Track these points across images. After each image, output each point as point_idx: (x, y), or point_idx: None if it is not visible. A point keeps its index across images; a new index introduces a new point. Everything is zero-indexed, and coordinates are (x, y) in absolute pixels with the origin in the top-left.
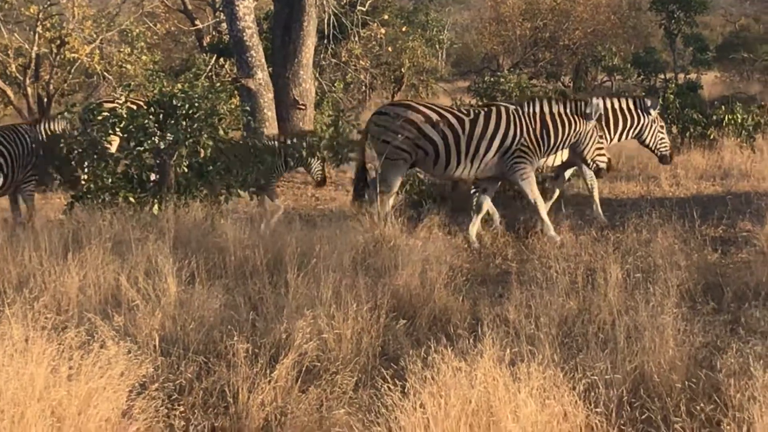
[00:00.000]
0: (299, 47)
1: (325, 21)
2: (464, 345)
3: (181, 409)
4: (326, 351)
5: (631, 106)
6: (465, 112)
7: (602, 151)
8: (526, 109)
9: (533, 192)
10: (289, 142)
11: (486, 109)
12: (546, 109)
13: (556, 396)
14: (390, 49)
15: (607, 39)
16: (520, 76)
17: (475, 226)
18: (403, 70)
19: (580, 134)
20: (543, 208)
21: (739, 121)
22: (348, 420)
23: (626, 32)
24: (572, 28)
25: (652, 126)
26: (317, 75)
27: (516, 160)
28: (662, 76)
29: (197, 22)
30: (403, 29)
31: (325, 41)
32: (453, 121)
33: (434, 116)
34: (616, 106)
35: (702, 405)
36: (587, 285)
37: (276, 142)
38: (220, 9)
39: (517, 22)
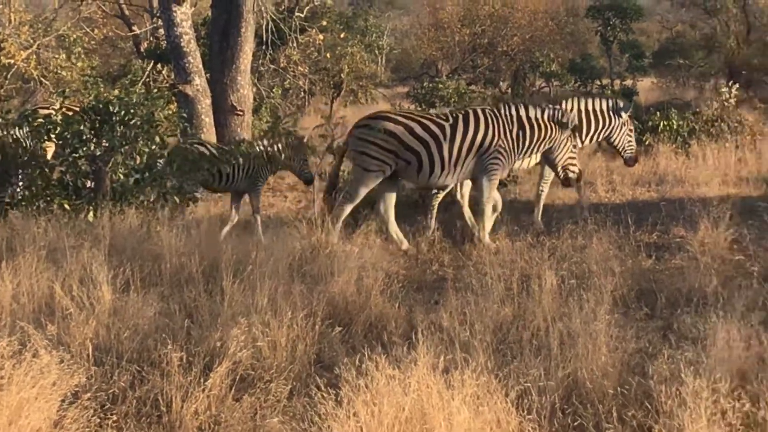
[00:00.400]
0: (237, 53)
1: (264, 27)
2: (399, 352)
3: (114, 418)
4: (261, 359)
5: (604, 108)
6: (444, 117)
7: (574, 161)
8: (502, 111)
9: (490, 196)
10: (272, 145)
11: (463, 112)
12: (522, 112)
13: (489, 403)
14: (329, 55)
15: (544, 45)
16: (459, 82)
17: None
18: (342, 75)
19: (555, 141)
20: (490, 215)
21: (675, 127)
22: (281, 429)
23: (564, 39)
24: (510, 35)
25: (622, 128)
26: (255, 81)
27: (492, 160)
28: (599, 83)
29: (135, 27)
30: (342, 35)
31: (264, 47)
32: (434, 128)
33: (415, 126)
34: (590, 107)
35: (634, 411)
36: (522, 291)
37: (260, 146)
38: (158, 15)
39: (455, 28)
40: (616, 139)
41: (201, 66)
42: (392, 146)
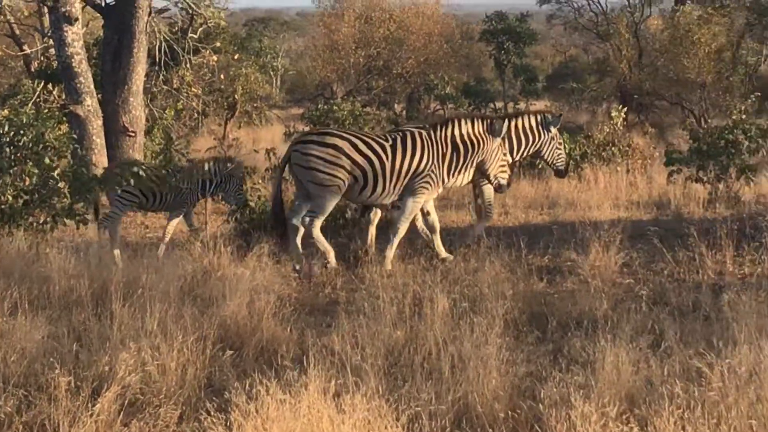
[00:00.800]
0: (129, 74)
1: (157, 47)
2: (290, 376)
3: None
4: (150, 383)
5: (533, 124)
6: (384, 138)
7: (505, 168)
8: (437, 133)
9: (409, 217)
10: (207, 166)
11: (401, 134)
12: (456, 131)
13: (380, 427)
14: (223, 76)
15: (439, 68)
16: (354, 103)
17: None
18: (236, 97)
19: (487, 152)
20: (401, 236)
21: (567, 150)
22: None
23: (458, 62)
24: (405, 57)
25: (551, 142)
26: (148, 102)
27: (422, 183)
28: (493, 106)
29: (25, 47)
30: (236, 56)
31: (156, 68)
32: (377, 147)
33: (359, 143)
34: (520, 125)
35: None
36: (414, 315)
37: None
38: (49, 35)
39: (350, 50)
40: (546, 153)
41: (93, 86)
42: (340, 161)
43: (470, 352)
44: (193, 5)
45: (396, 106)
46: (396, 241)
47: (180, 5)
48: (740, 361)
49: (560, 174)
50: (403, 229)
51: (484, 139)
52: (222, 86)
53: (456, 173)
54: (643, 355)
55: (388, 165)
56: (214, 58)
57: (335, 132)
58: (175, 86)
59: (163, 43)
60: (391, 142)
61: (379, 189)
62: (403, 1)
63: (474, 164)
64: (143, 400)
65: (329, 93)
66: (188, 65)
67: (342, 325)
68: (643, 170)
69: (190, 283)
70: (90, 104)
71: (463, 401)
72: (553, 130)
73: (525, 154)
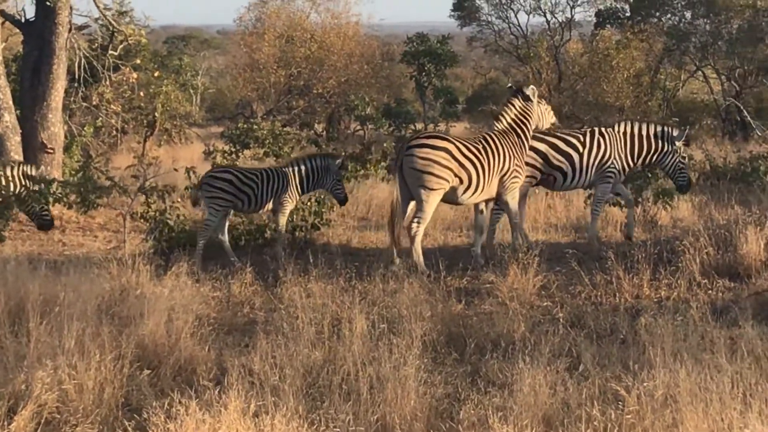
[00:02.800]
0: (48, 90)
1: (76, 64)
2: (209, 396)
3: None
4: (67, 402)
5: (653, 133)
6: (480, 139)
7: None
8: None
9: (516, 206)
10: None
11: (490, 135)
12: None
13: None
14: (142, 93)
15: (360, 89)
16: (274, 123)
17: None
18: (156, 114)
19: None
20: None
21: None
22: None
23: (379, 83)
24: (326, 77)
25: (674, 155)
26: (67, 119)
27: (512, 180)
28: (413, 127)
29: None
30: (156, 74)
31: (76, 84)
32: (479, 148)
33: (464, 148)
34: (643, 132)
35: None
36: (333, 335)
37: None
38: None
39: (271, 69)
40: (668, 165)
41: (11, 102)
42: (450, 164)
43: (389, 373)
44: (113, 22)
45: (316, 126)
46: (520, 234)
47: (100, 22)
48: (656, 385)
49: (682, 189)
50: (518, 216)
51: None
52: (142, 104)
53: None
54: (560, 378)
55: (487, 166)
56: (134, 75)
57: (444, 136)
58: (94, 103)
59: (83, 60)
60: (482, 144)
61: (480, 188)
62: (325, 21)
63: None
64: (60, 419)
65: (249, 112)
66: (108, 82)
67: (261, 345)
68: (562, 192)
69: (108, 301)
70: (8, 120)
71: (381, 422)
72: (678, 143)
73: (646, 162)
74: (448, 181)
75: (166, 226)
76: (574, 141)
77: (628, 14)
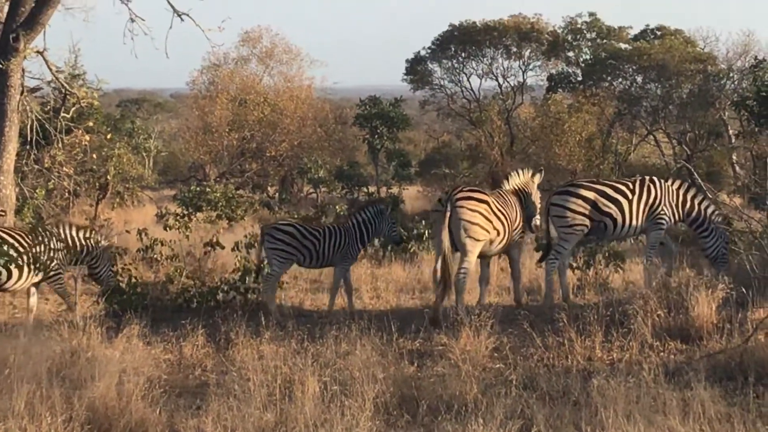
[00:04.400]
0: (0, 153)
1: (28, 126)
2: None
3: None
4: None
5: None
6: (625, 185)
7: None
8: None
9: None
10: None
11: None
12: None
13: None
14: (95, 156)
15: (313, 151)
16: (227, 185)
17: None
18: (108, 177)
19: None
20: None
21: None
22: None
23: (332, 145)
24: (279, 140)
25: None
26: (18, 181)
27: (521, 235)
28: (366, 190)
29: None
30: (109, 136)
31: (28, 147)
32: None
33: (495, 201)
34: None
35: None
36: (285, 397)
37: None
38: None
39: (224, 132)
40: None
41: None
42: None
43: None
44: (66, 84)
45: (269, 188)
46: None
47: (53, 84)
48: None
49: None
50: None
51: None
52: (94, 166)
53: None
54: None
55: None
56: (87, 137)
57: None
58: (46, 165)
59: (35, 122)
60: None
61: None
62: (278, 85)
63: None
64: None
65: (202, 175)
66: (60, 145)
67: (212, 407)
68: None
69: (58, 363)
70: None
71: None
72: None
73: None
74: (489, 233)
75: (117, 289)
76: (623, 188)
77: (579, 79)
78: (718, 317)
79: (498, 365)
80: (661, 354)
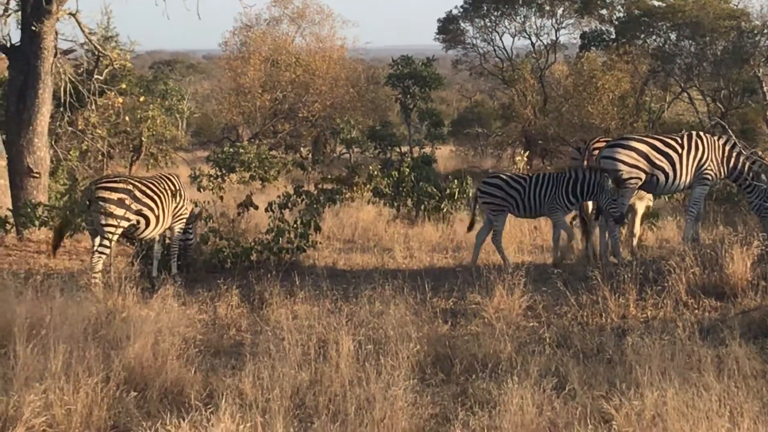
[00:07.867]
0: (34, 115)
1: (62, 89)
2: (196, 417)
3: None
4: (55, 425)
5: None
6: (674, 140)
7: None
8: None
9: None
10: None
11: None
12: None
13: None
14: (128, 118)
15: (345, 112)
16: (260, 146)
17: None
18: (141, 139)
19: None
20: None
21: (471, 194)
22: None
23: (364, 106)
24: (311, 101)
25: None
26: (52, 143)
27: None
28: (398, 150)
29: None
30: (142, 98)
31: (62, 109)
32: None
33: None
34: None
35: None
36: (319, 357)
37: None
38: None
39: (256, 94)
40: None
41: None
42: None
43: (377, 394)
44: (99, 47)
45: (302, 149)
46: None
47: (86, 47)
48: (644, 404)
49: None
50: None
51: None
52: (127, 128)
53: None
54: (547, 398)
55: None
56: (120, 99)
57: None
58: (80, 128)
59: (69, 85)
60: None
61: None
62: (310, 45)
63: None
64: None
65: (235, 136)
66: (93, 107)
67: (248, 367)
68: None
69: (94, 324)
70: None
71: None
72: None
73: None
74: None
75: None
76: (673, 143)
77: (613, 37)
78: (752, 274)
79: (531, 323)
80: (696, 311)
